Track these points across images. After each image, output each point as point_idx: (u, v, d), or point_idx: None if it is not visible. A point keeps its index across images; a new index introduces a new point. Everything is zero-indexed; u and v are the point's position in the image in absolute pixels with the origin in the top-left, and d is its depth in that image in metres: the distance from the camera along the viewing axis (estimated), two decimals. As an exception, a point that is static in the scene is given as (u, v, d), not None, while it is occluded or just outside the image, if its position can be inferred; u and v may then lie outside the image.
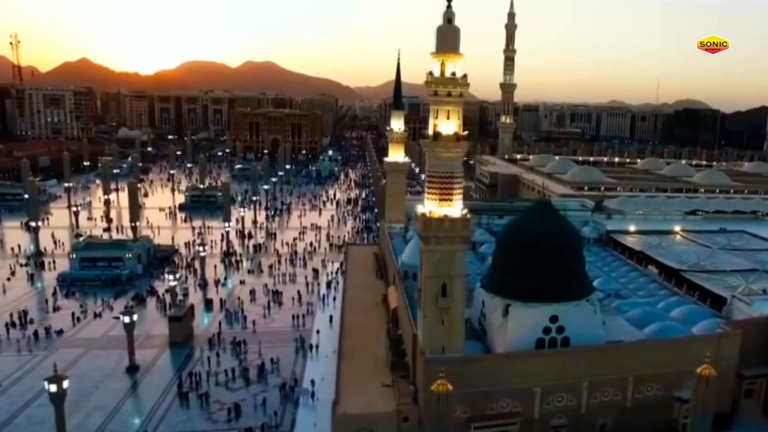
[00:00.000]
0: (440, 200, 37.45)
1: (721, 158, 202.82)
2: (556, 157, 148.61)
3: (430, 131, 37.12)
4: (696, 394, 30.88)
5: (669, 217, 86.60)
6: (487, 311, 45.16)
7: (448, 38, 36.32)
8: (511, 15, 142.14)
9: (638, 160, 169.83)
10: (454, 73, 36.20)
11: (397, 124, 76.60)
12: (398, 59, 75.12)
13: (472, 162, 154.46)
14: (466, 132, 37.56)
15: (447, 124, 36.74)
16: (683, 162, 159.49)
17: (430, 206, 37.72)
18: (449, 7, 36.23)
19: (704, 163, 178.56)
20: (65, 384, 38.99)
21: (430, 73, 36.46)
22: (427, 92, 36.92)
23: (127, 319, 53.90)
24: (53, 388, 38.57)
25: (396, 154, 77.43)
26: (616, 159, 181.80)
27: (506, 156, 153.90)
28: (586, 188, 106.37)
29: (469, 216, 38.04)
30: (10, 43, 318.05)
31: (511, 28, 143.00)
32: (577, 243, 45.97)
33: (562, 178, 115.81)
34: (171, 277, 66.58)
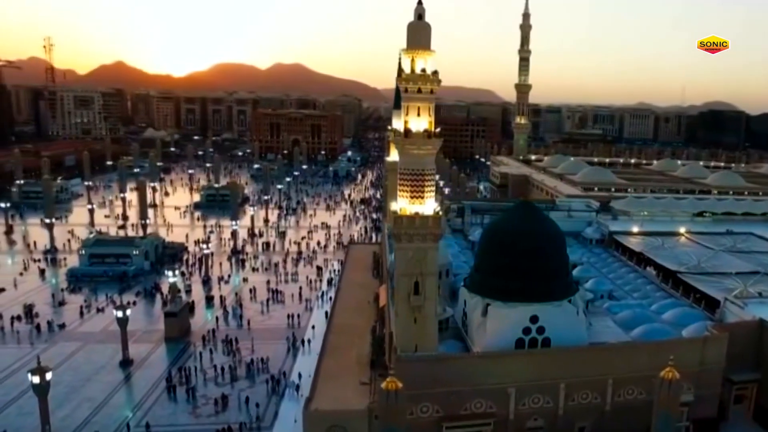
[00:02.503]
0: (411, 197, 37.31)
1: (741, 160, 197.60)
2: (571, 158, 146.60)
3: (402, 128, 37.13)
4: (658, 397, 30.18)
5: (676, 218, 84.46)
6: (469, 311, 44.85)
7: (418, 35, 36.24)
8: (526, 16, 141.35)
9: (654, 162, 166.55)
10: (424, 70, 36.12)
11: (398, 123, 76.36)
12: (399, 58, 74.99)
13: (488, 162, 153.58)
14: (438, 129, 37.39)
15: (418, 120, 36.68)
16: (701, 164, 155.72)
17: (402, 203, 37.65)
18: (420, 3, 36.14)
19: (722, 164, 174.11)
20: (48, 376, 40.02)
21: (401, 70, 36.43)
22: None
23: (120, 314, 54.93)
24: (36, 379, 39.68)
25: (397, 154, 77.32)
26: (632, 160, 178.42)
27: (521, 157, 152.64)
28: (595, 189, 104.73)
29: (441, 213, 37.88)
30: (44, 46, 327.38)
31: (525, 28, 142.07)
32: (560, 243, 45.20)
33: (573, 178, 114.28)
34: (170, 273, 67.61)
